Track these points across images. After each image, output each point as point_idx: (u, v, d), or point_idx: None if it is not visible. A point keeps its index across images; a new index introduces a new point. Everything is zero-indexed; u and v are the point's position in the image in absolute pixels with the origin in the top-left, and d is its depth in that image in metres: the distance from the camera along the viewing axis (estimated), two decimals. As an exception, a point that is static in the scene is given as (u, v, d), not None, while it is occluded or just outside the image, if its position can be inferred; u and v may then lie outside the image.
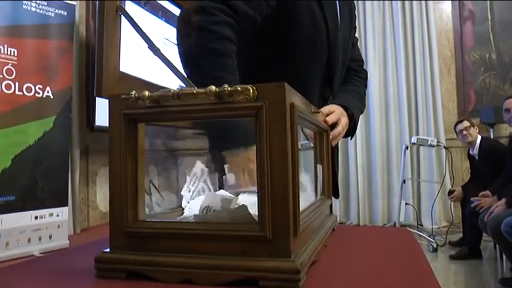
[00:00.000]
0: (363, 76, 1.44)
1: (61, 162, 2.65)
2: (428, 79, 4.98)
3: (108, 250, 0.63)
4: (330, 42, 1.17)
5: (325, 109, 1.12)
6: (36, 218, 2.49)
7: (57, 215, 2.60)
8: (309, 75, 1.18)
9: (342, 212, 5.18)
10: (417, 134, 4.87)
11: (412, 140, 4.31)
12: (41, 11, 2.57)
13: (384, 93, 5.14)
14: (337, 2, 1.25)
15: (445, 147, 4.35)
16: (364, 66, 1.49)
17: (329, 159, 0.98)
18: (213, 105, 0.57)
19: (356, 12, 1.42)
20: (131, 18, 0.69)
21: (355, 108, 1.25)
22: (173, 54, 0.92)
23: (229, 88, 0.56)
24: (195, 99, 0.57)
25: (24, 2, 2.49)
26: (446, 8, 5.19)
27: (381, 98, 5.14)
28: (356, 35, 1.45)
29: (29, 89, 2.48)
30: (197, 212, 0.71)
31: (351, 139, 1.42)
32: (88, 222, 3.25)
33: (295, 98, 0.61)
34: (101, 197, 3.36)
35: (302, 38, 1.14)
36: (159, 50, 0.65)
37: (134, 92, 0.59)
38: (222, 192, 0.81)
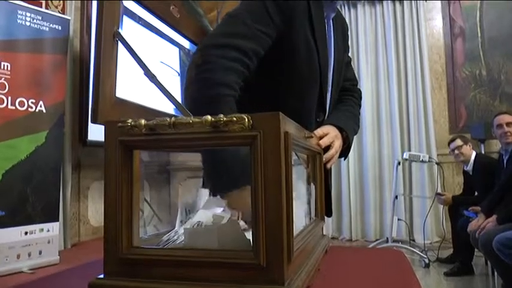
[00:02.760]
0: (356, 95, 1.44)
1: (53, 177, 2.63)
2: (420, 95, 5.03)
3: (102, 276, 0.63)
4: (321, 65, 1.18)
5: (319, 131, 1.13)
6: (26, 233, 2.46)
7: (48, 230, 2.57)
8: (306, 100, 1.18)
9: (334, 227, 5.18)
10: (409, 149, 4.90)
11: (404, 156, 4.33)
12: (36, 26, 2.58)
13: (376, 109, 5.19)
14: (331, 24, 1.26)
15: (436, 163, 4.38)
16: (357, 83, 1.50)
17: (322, 181, 0.99)
18: (209, 134, 0.58)
19: (349, 29, 1.43)
20: (128, 44, 0.70)
21: (350, 129, 1.25)
22: (169, 77, 0.93)
23: (224, 118, 0.57)
24: (191, 128, 0.58)
25: (19, 16, 2.49)
26: (438, 24, 5.27)
27: (373, 114, 5.18)
28: (349, 50, 1.45)
29: (21, 104, 2.48)
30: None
31: (344, 160, 1.42)
32: (79, 237, 3.22)
33: (289, 126, 0.62)
34: (93, 211, 3.33)
35: (299, 65, 1.14)
36: (155, 76, 0.66)
37: (130, 120, 0.60)
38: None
